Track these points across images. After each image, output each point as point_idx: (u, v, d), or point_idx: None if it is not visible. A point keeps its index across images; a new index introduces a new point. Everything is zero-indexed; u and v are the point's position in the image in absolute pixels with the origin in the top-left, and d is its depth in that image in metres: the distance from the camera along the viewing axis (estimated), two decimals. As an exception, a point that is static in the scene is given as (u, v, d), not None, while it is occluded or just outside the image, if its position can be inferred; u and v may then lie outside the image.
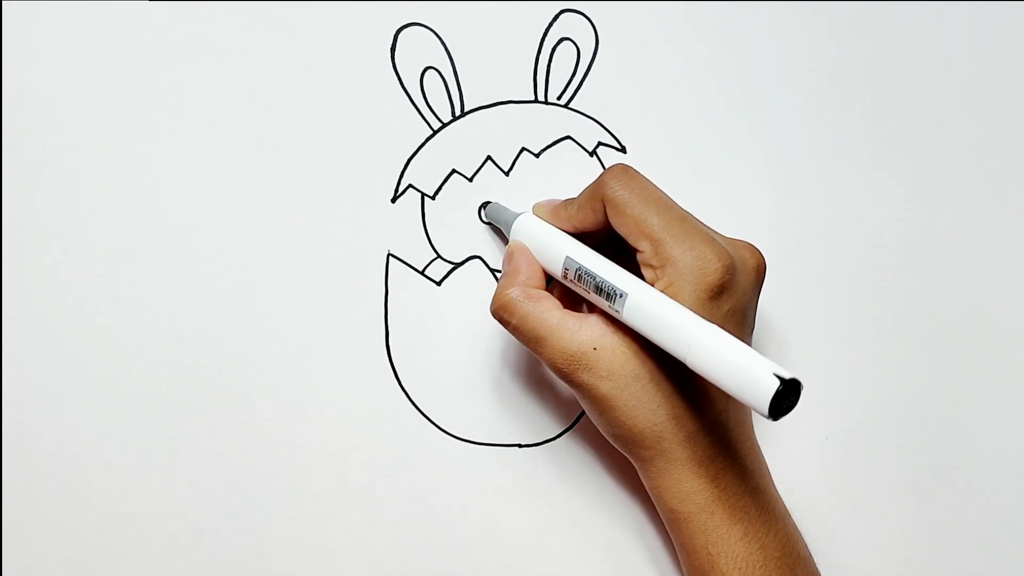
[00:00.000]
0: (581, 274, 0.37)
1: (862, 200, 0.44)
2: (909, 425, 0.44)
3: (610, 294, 0.36)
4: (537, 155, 0.43)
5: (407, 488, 0.43)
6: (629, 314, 0.35)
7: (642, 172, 0.41)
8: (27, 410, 0.41)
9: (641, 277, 0.37)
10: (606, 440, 0.40)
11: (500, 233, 0.42)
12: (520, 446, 0.43)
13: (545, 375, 0.43)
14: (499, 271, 0.43)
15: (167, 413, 0.42)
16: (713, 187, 0.43)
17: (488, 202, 0.42)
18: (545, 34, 0.42)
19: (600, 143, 0.43)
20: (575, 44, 0.42)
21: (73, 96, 0.41)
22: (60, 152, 0.41)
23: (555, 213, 0.40)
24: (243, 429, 0.42)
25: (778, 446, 0.43)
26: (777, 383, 0.30)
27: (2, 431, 0.41)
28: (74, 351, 0.41)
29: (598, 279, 0.36)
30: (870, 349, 0.44)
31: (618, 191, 0.37)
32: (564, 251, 0.38)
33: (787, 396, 0.30)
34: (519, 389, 0.43)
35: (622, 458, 0.40)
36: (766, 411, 0.30)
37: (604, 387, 0.36)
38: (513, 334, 0.38)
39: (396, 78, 0.42)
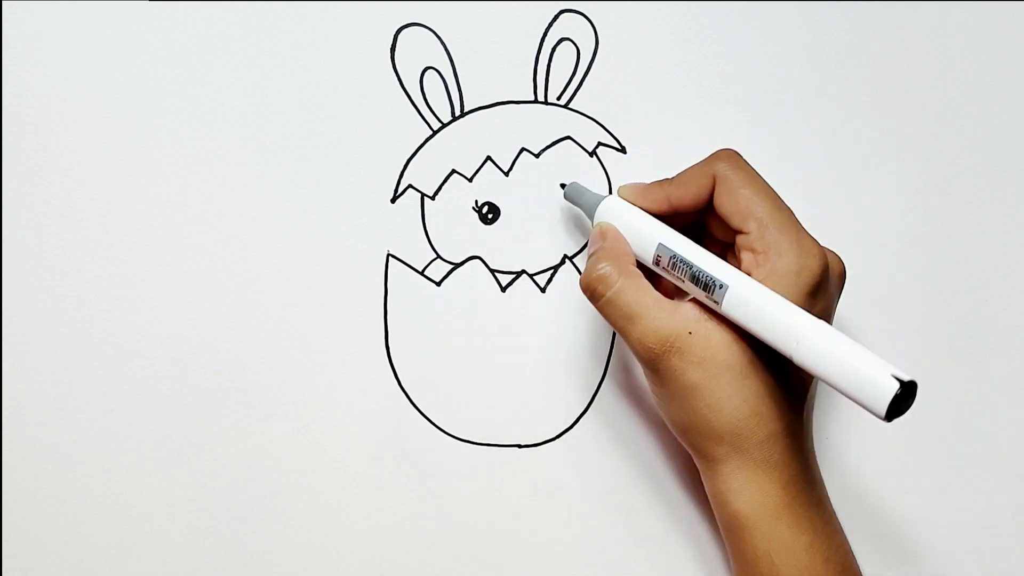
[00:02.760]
0: (676, 262, 0.36)
1: (862, 199, 0.44)
2: (910, 425, 0.44)
3: (708, 284, 0.35)
4: (537, 155, 0.43)
5: (407, 488, 0.43)
6: (729, 306, 0.34)
7: (642, 172, 0.41)
8: (27, 410, 0.41)
9: (730, 261, 0.36)
10: (605, 441, 0.40)
11: (581, 220, 0.42)
12: (520, 446, 0.43)
13: (545, 376, 0.43)
14: (499, 271, 0.43)
15: (167, 413, 0.42)
16: (713, 187, 0.43)
17: (565, 183, 0.42)
18: (545, 34, 0.42)
19: (600, 143, 0.43)
20: (575, 44, 0.42)
21: (73, 96, 0.41)
22: (60, 152, 0.41)
23: (647, 192, 0.38)
24: (243, 429, 0.42)
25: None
26: (896, 385, 0.29)
27: (2, 431, 0.41)
28: (74, 351, 0.41)
29: (695, 268, 0.35)
30: (870, 349, 0.44)
31: (730, 171, 0.36)
32: (657, 237, 0.37)
33: (904, 398, 0.30)
34: (519, 390, 0.43)
35: (621, 459, 0.40)
36: (883, 413, 0.29)
37: (694, 374, 0.35)
38: (602, 310, 0.37)
39: (396, 78, 0.42)
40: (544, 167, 0.43)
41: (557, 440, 0.43)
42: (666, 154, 0.43)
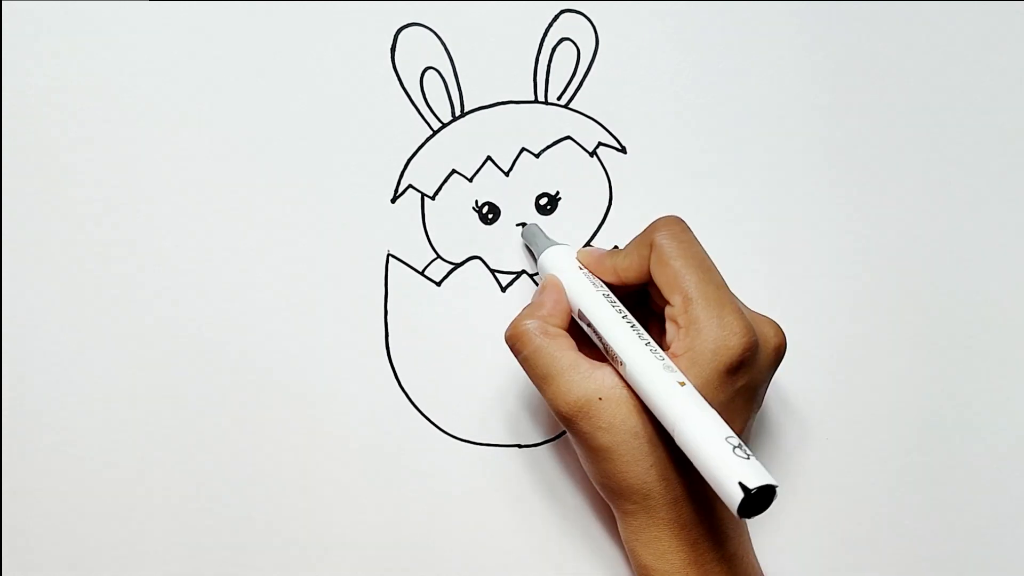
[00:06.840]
0: (593, 328, 0.37)
1: (862, 199, 0.44)
2: (910, 425, 0.44)
3: (613, 356, 0.36)
4: (537, 155, 0.43)
5: (407, 488, 0.43)
6: (628, 380, 0.35)
7: (643, 172, 0.41)
8: (27, 410, 0.41)
9: (661, 328, 0.36)
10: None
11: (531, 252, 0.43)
12: (520, 446, 0.43)
13: (545, 375, 0.43)
14: (499, 271, 0.43)
15: (167, 413, 0.42)
16: (713, 187, 0.43)
17: (526, 222, 0.42)
18: (545, 34, 0.42)
19: (600, 143, 0.43)
20: (575, 44, 0.42)
21: (73, 96, 0.41)
22: (60, 152, 0.41)
23: (600, 261, 0.39)
24: (243, 429, 0.42)
25: (778, 446, 0.43)
26: (741, 495, 0.30)
27: (2, 431, 0.41)
28: (74, 351, 0.41)
29: (604, 339, 0.36)
30: (870, 349, 0.44)
31: (666, 240, 0.36)
32: (579, 301, 0.37)
33: (760, 499, 0.30)
34: (519, 389, 0.43)
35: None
36: (735, 513, 0.30)
37: (602, 439, 0.36)
38: (522, 366, 0.38)
39: (396, 78, 0.42)
40: (544, 167, 0.43)
41: (557, 440, 0.43)
42: (666, 154, 0.43)
